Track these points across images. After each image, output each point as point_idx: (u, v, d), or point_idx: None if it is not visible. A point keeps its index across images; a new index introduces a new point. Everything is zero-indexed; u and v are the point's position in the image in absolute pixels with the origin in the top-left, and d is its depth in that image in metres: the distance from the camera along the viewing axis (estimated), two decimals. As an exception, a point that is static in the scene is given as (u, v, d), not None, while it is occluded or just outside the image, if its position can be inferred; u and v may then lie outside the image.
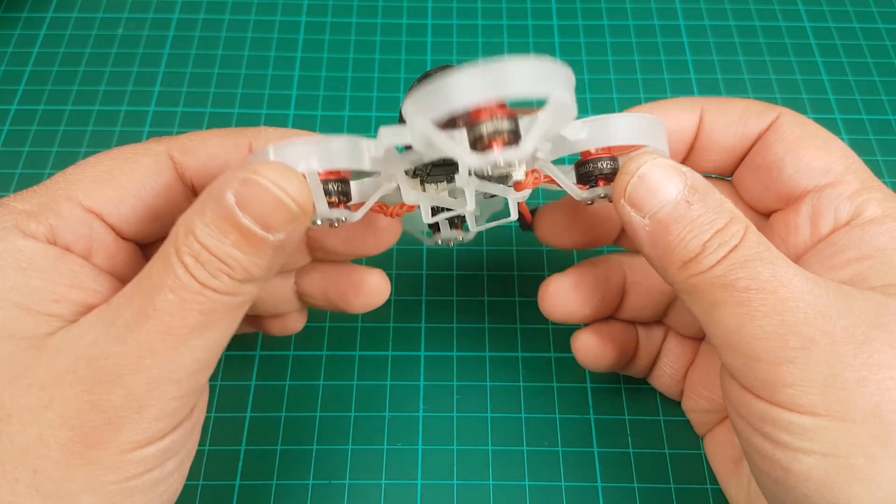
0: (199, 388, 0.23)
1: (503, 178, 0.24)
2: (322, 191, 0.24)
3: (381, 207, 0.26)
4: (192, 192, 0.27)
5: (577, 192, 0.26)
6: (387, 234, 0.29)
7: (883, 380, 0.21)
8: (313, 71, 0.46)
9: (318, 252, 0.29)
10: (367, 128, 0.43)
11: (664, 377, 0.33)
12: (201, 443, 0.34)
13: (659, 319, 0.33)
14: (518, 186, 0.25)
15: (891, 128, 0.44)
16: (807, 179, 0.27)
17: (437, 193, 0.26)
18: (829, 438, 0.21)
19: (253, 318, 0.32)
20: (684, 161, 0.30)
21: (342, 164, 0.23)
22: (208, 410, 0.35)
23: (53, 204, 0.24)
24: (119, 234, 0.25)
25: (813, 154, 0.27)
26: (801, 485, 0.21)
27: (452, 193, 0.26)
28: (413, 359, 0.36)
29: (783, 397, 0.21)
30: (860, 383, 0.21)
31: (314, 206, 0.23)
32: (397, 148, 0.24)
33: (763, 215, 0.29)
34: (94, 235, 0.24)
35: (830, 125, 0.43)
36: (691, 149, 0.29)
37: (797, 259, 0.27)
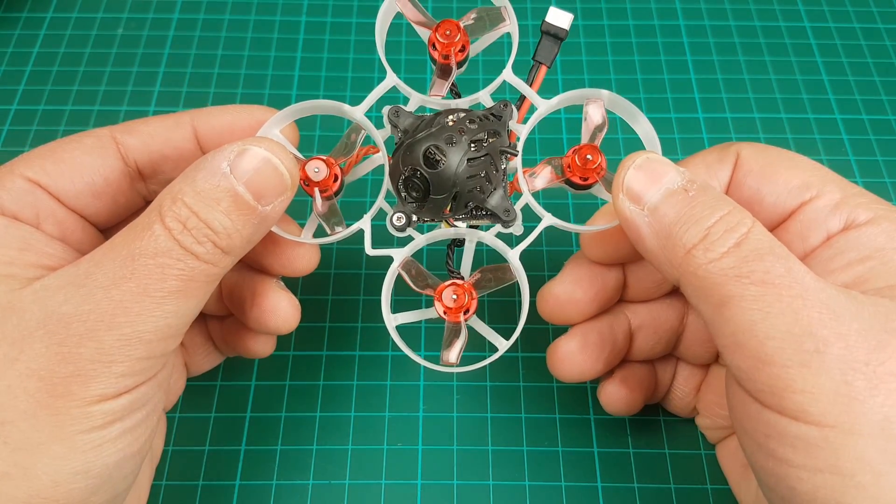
0: (166, 353, 0.23)
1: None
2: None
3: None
4: (135, 172, 0.27)
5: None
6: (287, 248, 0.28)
7: (893, 390, 0.20)
8: (313, 71, 0.46)
9: None
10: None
11: (676, 401, 0.33)
12: (202, 443, 0.34)
13: (669, 353, 0.33)
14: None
15: (891, 128, 0.44)
16: (789, 200, 0.26)
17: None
18: (836, 453, 0.20)
19: (228, 339, 0.32)
20: None
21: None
22: (208, 410, 0.35)
23: None
24: (65, 204, 0.26)
25: (786, 175, 0.26)
26: None
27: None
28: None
29: (791, 405, 0.21)
30: (871, 392, 0.20)
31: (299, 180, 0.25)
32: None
33: None
34: (39, 203, 0.25)
35: (830, 125, 0.44)
36: None
37: None
